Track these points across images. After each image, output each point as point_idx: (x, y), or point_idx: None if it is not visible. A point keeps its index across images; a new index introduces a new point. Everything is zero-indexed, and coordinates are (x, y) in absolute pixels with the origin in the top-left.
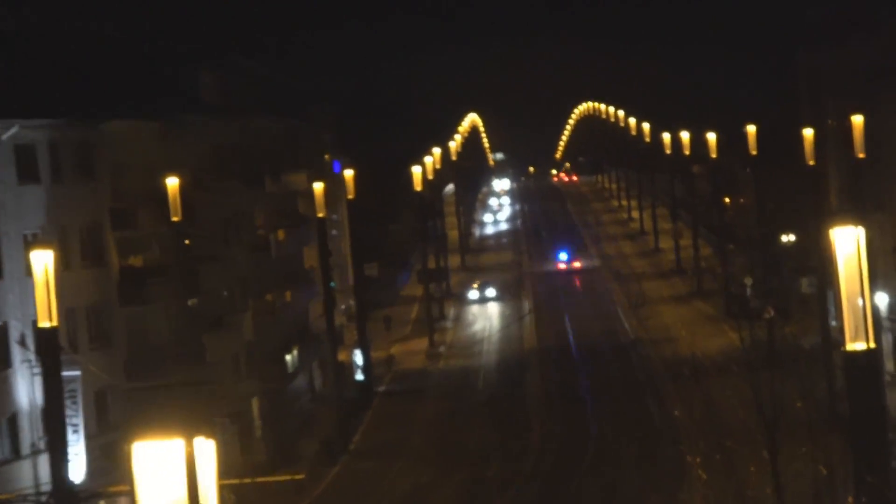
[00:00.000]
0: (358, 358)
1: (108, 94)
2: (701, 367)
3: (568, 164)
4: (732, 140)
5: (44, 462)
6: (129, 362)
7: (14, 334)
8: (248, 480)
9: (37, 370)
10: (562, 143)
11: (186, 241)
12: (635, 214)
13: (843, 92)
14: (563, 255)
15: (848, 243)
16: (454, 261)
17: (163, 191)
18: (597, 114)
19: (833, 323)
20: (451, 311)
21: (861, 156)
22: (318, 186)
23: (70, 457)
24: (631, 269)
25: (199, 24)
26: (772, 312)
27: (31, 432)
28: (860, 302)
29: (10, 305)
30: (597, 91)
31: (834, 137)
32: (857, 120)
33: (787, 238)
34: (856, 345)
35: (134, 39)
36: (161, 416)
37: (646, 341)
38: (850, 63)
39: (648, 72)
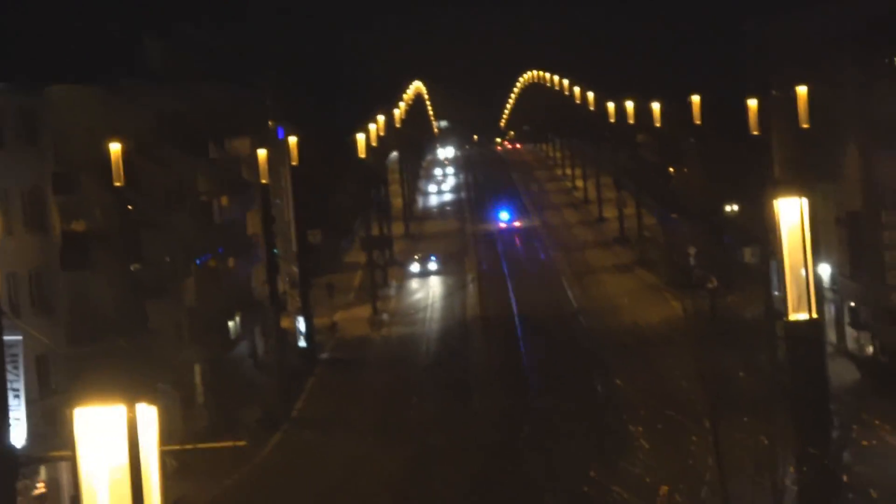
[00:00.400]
0: (301, 325)
1: (51, 60)
2: (643, 336)
3: (512, 133)
4: (677, 109)
5: None
6: (71, 328)
7: None
8: (189, 447)
9: None
10: (506, 112)
11: (129, 207)
12: (579, 183)
13: (789, 62)
14: (503, 215)
15: (792, 214)
16: (398, 229)
17: (106, 157)
18: (542, 82)
19: (776, 293)
20: (394, 280)
21: (805, 126)
22: (262, 153)
23: (11, 421)
24: (574, 238)
25: None
26: (715, 282)
27: None
28: (803, 273)
29: None
30: (542, 60)
31: (778, 108)
32: (802, 91)
33: (731, 208)
34: (798, 315)
35: (79, 4)
36: (103, 383)
37: (589, 310)
38: (796, 33)
39: (594, 41)
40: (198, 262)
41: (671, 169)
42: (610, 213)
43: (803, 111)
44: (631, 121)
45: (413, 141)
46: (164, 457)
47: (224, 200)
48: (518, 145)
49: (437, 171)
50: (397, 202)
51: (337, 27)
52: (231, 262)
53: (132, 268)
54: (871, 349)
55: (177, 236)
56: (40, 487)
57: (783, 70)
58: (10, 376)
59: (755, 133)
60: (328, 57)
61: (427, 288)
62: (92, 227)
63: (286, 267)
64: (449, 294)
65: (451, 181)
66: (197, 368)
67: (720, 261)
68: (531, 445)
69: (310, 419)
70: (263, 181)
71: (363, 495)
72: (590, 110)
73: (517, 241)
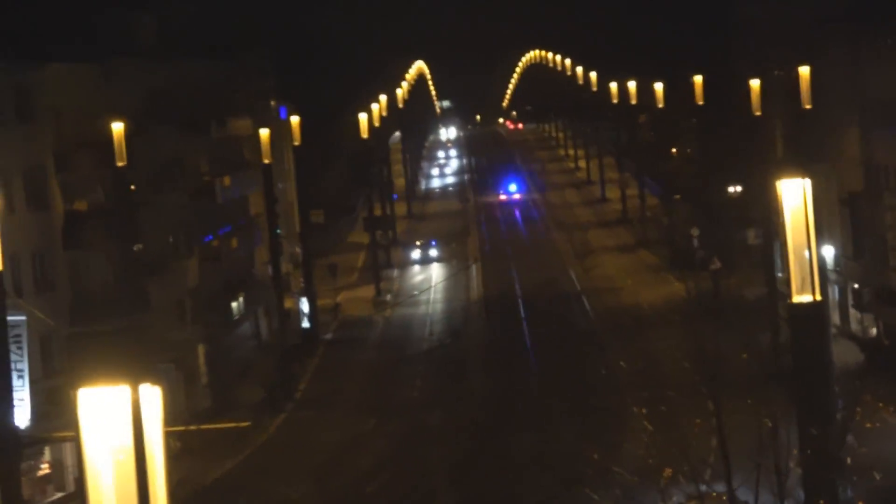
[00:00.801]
0: (304, 306)
1: (47, 37)
2: (646, 317)
3: (514, 113)
4: (679, 89)
5: None
6: (74, 307)
7: None
8: (193, 428)
9: None
10: (509, 92)
11: (132, 187)
12: (582, 164)
13: (788, 39)
14: (512, 187)
15: (794, 195)
16: (400, 209)
17: (106, 134)
18: (544, 62)
19: (779, 275)
20: (397, 259)
21: (807, 107)
22: (265, 133)
23: (15, 402)
24: (576, 218)
25: None
26: (718, 264)
27: None
28: (806, 254)
29: None
30: (545, 39)
31: (778, 88)
32: (804, 71)
33: (733, 189)
34: (802, 297)
35: None
36: (106, 363)
37: (591, 291)
38: (793, 11)
39: (596, 21)
40: (207, 238)
41: (673, 149)
42: (612, 193)
43: (805, 92)
44: (633, 101)
45: (415, 121)
46: (168, 437)
47: (226, 180)
48: (520, 125)
49: (440, 154)
50: (399, 182)
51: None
52: (234, 242)
53: (134, 248)
54: (874, 331)
55: (179, 216)
56: (44, 468)
57: (780, 49)
58: (13, 357)
59: (757, 114)
60: (328, 31)
61: (430, 269)
62: (94, 206)
63: (289, 247)
64: (452, 275)
65: (453, 164)
66: (200, 349)
67: (723, 242)
68: (531, 424)
69: (313, 400)
70: (266, 161)
71: (365, 475)
72: (592, 90)
73: (520, 221)
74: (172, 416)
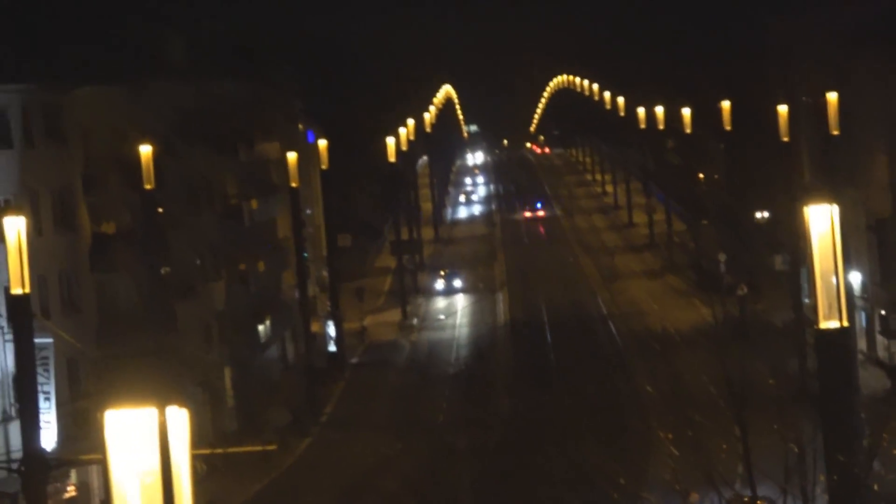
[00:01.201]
0: (330, 329)
1: (76, 60)
2: (672, 341)
3: (542, 138)
4: (706, 113)
5: (15, 429)
6: (101, 330)
7: None
8: (219, 450)
9: (9, 337)
10: (536, 116)
11: (160, 210)
12: (609, 188)
13: (817, 63)
14: (538, 205)
15: (822, 221)
16: (428, 233)
17: (133, 155)
18: (572, 87)
19: (806, 300)
20: (422, 286)
21: (835, 133)
22: (292, 156)
23: (41, 424)
24: (603, 243)
25: None
26: (745, 289)
27: (2, 399)
28: (833, 280)
29: None
30: (572, 64)
31: (807, 112)
32: (832, 97)
33: (761, 214)
34: (829, 323)
35: (104, 3)
36: (134, 385)
37: (618, 315)
38: (824, 33)
39: (624, 45)
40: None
41: (701, 175)
42: (639, 218)
43: (833, 117)
44: (661, 126)
45: (443, 145)
46: (195, 460)
47: (254, 203)
48: (546, 149)
49: (467, 180)
50: (427, 206)
51: (366, 23)
52: (261, 265)
53: (162, 270)
54: None
55: (206, 239)
56: (71, 491)
57: (810, 69)
58: (40, 379)
59: (785, 139)
60: (357, 53)
61: (456, 294)
62: (122, 228)
63: (316, 271)
64: (479, 299)
65: (481, 191)
66: (227, 371)
67: (750, 267)
68: (556, 449)
69: (339, 422)
70: (294, 184)
71: (391, 497)
72: (619, 115)
73: (547, 245)
74: (199, 438)
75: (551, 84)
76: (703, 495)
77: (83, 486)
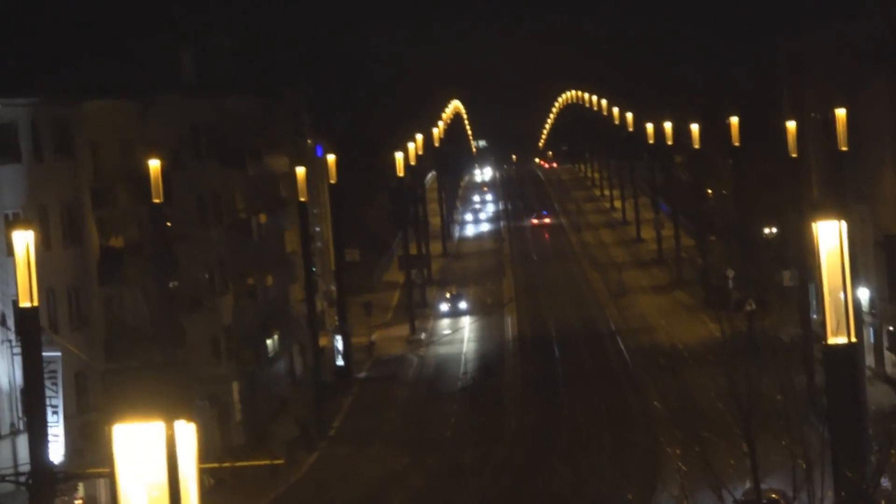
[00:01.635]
0: (338, 343)
1: (86, 72)
2: (680, 357)
3: (550, 153)
4: (715, 128)
5: (23, 442)
6: (109, 343)
7: None
8: (227, 464)
9: (17, 350)
10: (545, 131)
11: (168, 224)
12: (617, 204)
13: (826, 79)
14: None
15: (830, 237)
16: (436, 248)
17: (142, 169)
18: (580, 102)
19: (814, 316)
20: (431, 300)
21: (843, 149)
22: (301, 170)
23: (49, 437)
24: (611, 258)
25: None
26: (753, 305)
27: (10, 412)
28: (842, 296)
29: None
30: (581, 80)
31: (816, 128)
32: (841, 113)
33: (769, 230)
34: (837, 339)
35: (112, 17)
36: (142, 399)
37: (625, 331)
38: (833, 49)
39: (633, 60)
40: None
41: (709, 190)
42: (647, 233)
43: (842, 134)
44: (669, 141)
45: (452, 160)
46: (202, 474)
47: (262, 217)
48: (555, 164)
49: (475, 198)
50: (435, 220)
51: (375, 38)
52: (269, 279)
53: (170, 284)
54: None
55: (214, 252)
56: None
57: (821, 84)
58: (48, 392)
59: (794, 155)
60: (366, 67)
61: (468, 300)
62: (129, 242)
63: (324, 285)
64: (487, 314)
65: (489, 208)
66: (234, 385)
67: (758, 283)
68: (564, 463)
69: (346, 437)
70: (302, 199)
71: None
72: (628, 130)
73: (555, 261)
74: (206, 452)
75: (560, 99)
76: None
77: (91, 500)
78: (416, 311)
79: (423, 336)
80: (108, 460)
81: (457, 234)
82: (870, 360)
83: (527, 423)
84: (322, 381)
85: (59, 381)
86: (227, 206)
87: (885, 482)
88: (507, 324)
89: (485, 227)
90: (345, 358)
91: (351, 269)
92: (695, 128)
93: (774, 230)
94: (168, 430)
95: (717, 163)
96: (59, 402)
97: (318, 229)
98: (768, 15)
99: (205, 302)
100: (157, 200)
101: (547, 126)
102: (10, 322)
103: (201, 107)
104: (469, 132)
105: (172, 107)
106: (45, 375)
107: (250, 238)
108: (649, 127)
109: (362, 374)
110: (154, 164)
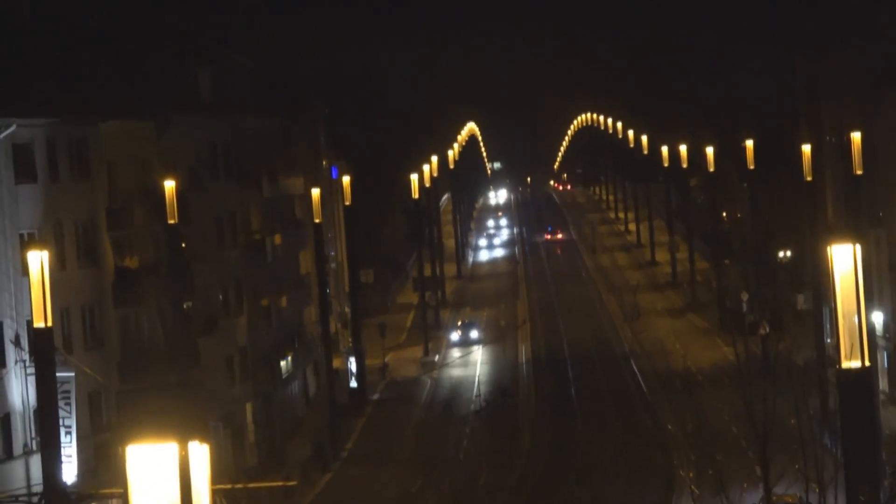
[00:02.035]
0: (352, 364)
1: (104, 93)
2: (694, 380)
3: (565, 175)
4: (730, 150)
5: (36, 462)
6: (123, 363)
7: (8, 334)
8: (240, 485)
9: (31, 370)
10: (560, 154)
11: (182, 245)
12: (632, 227)
13: (843, 101)
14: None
15: (845, 260)
16: (450, 269)
17: (158, 189)
18: (595, 125)
19: (828, 340)
20: (445, 322)
21: (859, 172)
22: (316, 192)
23: (63, 458)
24: (626, 280)
25: (193, 18)
26: (767, 328)
27: (24, 432)
28: (856, 320)
29: (5, 305)
30: (597, 102)
31: (831, 151)
32: (856, 137)
33: (784, 253)
34: (851, 363)
35: (129, 37)
36: (155, 420)
37: (639, 353)
38: (850, 71)
39: (648, 83)
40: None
41: (724, 213)
42: (662, 256)
43: (857, 157)
44: (684, 164)
45: (467, 181)
46: (215, 495)
47: (277, 238)
48: (569, 186)
49: (490, 223)
50: (449, 242)
51: (391, 60)
52: (284, 300)
53: (185, 305)
54: None
55: (229, 273)
56: None
57: (837, 106)
58: (62, 412)
59: (809, 179)
60: (381, 88)
61: (480, 329)
62: (144, 263)
63: (338, 306)
64: (500, 336)
65: (504, 234)
66: (248, 406)
67: (773, 306)
68: (578, 486)
69: (360, 458)
70: (317, 220)
71: None
72: (643, 153)
73: (570, 283)
74: (220, 472)
75: (575, 122)
76: None
77: None
78: (430, 332)
79: (436, 358)
80: (121, 481)
81: (471, 258)
82: (884, 384)
83: (542, 444)
84: (336, 401)
85: (73, 402)
86: (242, 226)
87: None
88: (521, 345)
89: (499, 253)
90: (358, 379)
91: (365, 290)
92: (710, 150)
93: (789, 253)
94: (182, 450)
95: (732, 185)
96: (73, 422)
97: (332, 252)
98: (785, 38)
99: (219, 322)
100: (172, 220)
101: (562, 148)
102: (25, 342)
103: (218, 127)
104: (484, 154)
105: (189, 127)
106: (59, 396)
107: (265, 259)
108: (664, 149)
109: (376, 396)
110: (170, 185)
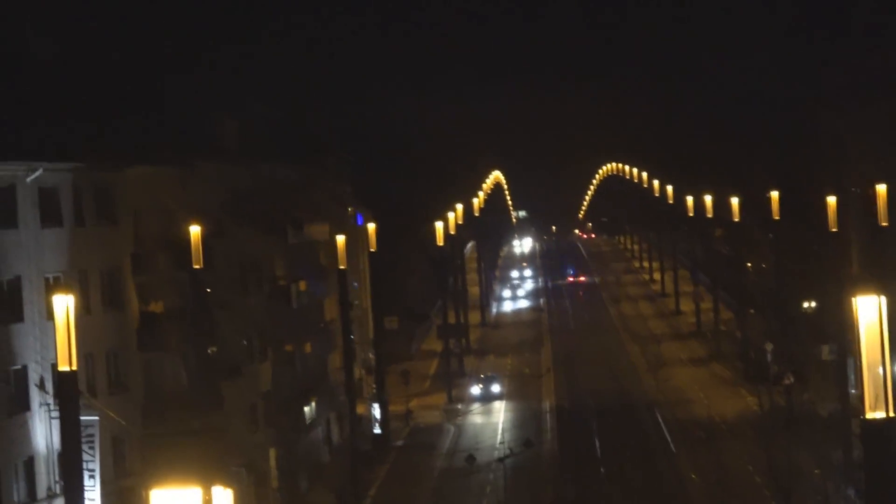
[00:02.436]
0: (376, 411)
1: (130, 139)
2: (718, 430)
3: (590, 224)
4: (755, 202)
5: None
6: (146, 408)
7: (33, 377)
8: None
9: (55, 414)
10: (585, 203)
11: (208, 290)
12: (657, 276)
13: (867, 153)
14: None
15: (870, 312)
16: (475, 317)
17: (182, 235)
18: (621, 174)
19: (852, 391)
20: (470, 368)
21: (884, 224)
22: (341, 239)
23: (86, 502)
24: (650, 330)
25: (219, 67)
26: (791, 379)
27: (47, 476)
28: (880, 371)
29: (30, 348)
30: (622, 152)
31: (856, 203)
32: (881, 188)
33: (808, 304)
34: (875, 414)
35: (156, 84)
36: (179, 465)
37: (663, 403)
38: (874, 124)
39: (674, 134)
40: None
41: (748, 263)
42: (686, 306)
43: (882, 208)
44: (709, 214)
45: (491, 230)
46: None
47: (302, 285)
48: (593, 235)
49: (514, 274)
50: (474, 290)
51: (417, 107)
52: (307, 346)
53: (209, 351)
54: None
55: (253, 319)
56: None
57: (858, 163)
58: (85, 456)
59: (834, 230)
60: (406, 137)
61: (505, 378)
62: (169, 308)
63: (362, 353)
64: (524, 384)
65: (528, 285)
66: (271, 452)
67: (797, 357)
68: None
69: None
70: (342, 267)
71: None
72: (668, 203)
73: (593, 332)
74: None
75: (601, 172)
76: None
77: None
78: (454, 379)
79: (460, 406)
80: None
81: (494, 310)
82: None
83: (565, 494)
84: (359, 448)
85: (97, 446)
86: (266, 273)
87: None
88: (544, 394)
89: (523, 304)
90: (382, 426)
91: (389, 337)
92: (734, 201)
93: (814, 304)
94: (205, 495)
95: (756, 236)
96: (96, 466)
97: (355, 284)
98: (810, 90)
99: (243, 368)
100: (197, 266)
101: (587, 197)
102: (49, 385)
103: (243, 174)
104: (509, 202)
105: (214, 173)
106: (83, 439)
107: (289, 305)
108: (689, 200)
109: (399, 443)
110: (195, 231)
